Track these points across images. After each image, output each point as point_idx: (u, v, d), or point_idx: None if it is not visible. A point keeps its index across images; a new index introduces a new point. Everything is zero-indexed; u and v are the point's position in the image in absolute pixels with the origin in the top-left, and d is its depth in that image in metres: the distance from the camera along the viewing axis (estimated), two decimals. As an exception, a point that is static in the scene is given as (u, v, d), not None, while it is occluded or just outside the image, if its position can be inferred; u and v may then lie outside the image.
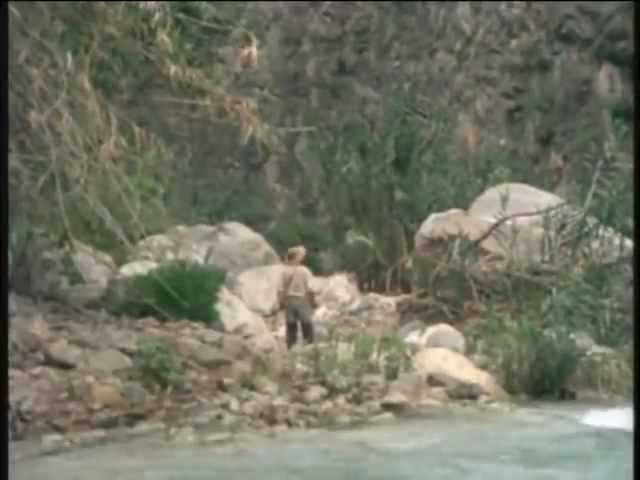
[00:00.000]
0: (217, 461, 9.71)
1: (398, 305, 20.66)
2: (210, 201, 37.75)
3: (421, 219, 21.55)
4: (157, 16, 11.47)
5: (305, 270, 16.61)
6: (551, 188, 25.95)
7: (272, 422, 11.38)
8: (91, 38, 11.63)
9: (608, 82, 36.51)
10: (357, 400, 12.49)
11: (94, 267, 17.89)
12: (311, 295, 16.77)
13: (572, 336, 14.22)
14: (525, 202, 19.17)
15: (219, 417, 11.27)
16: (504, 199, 18.58)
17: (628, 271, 16.73)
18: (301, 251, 16.98)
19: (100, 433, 10.47)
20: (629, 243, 17.07)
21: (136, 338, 12.98)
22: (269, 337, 17.69)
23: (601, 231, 18.01)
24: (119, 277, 17.99)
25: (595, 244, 18.00)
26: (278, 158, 42.74)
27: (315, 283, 20.49)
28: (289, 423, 11.44)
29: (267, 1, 43.37)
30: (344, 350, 13.98)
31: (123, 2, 11.67)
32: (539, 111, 38.13)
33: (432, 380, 13.73)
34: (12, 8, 10.51)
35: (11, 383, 9.59)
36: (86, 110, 11.31)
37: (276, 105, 28.61)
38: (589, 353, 14.34)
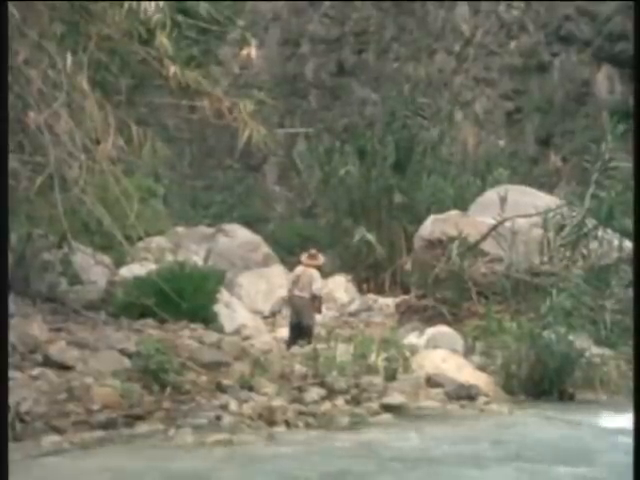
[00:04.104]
0: (216, 462, 9.72)
1: (397, 306, 20.65)
2: (211, 203, 37.81)
3: (420, 221, 21.53)
4: (156, 17, 11.47)
5: (313, 272, 16.57)
6: (550, 189, 25.95)
7: (271, 423, 11.38)
8: (89, 39, 11.62)
9: (607, 83, 36.52)
10: (356, 401, 12.49)
11: (93, 268, 17.92)
12: (316, 298, 16.70)
13: (571, 337, 14.22)
14: (524, 203, 19.15)
15: (218, 418, 11.26)
16: (503, 200, 18.57)
17: (627, 272, 16.71)
18: (320, 258, 17.07)
19: (99, 434, 10.47)
20: (628, 244, 17.06)
21: (135, 339, 13.00)
22: (268, 338, 17.71)
23: (600, 232, 18.00)
24: (118, 278, 18.03)
25: (594, 245, 17.98)
26: (277, 159, 42.73)
27: (321, 285, 20.46)
28: (288, 424, 11.44)
29: (266, 1, 43.37)
30: (343, 351, 14.00)
31: (122, 3, 11.67)
32: (538, 112, 38.14)
33: (431, 381, 13.74)
34: (11, 9, 10.51)
35: (10, 384, 9.58)
36: (84, 111, 11.31)
37: (274, 107, 28.60)
38: (588, 354, 14.34)
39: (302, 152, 35.80)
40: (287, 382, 12.71)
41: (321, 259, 17.14)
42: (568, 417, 12.58)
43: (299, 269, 16.79)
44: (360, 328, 19.62)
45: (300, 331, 16.30)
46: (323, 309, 21.43)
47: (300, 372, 12.99)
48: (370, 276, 27.11)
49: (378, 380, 13.22)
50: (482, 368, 14.60)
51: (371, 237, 26.91)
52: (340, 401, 12.42)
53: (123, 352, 12.42)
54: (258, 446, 10.39)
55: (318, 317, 18.59)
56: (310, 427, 11.48)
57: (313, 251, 17.13)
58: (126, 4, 11.65)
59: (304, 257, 16.88)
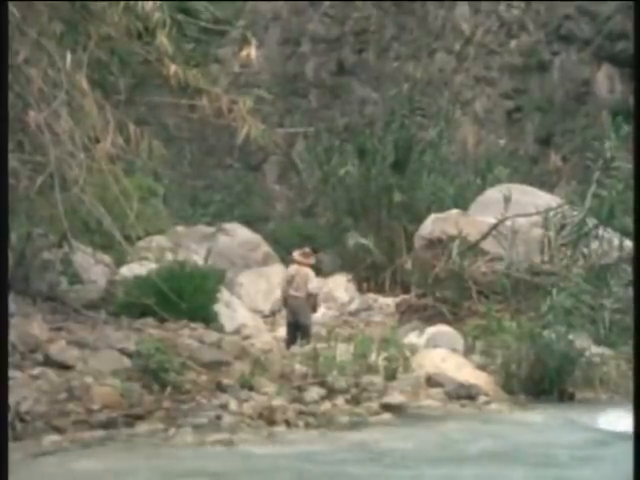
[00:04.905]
0: (216, 462, 9.71)
1: (397, 306, 20.63)
2: (211, 202, 37.77)
3: (420, 220, 21.49)
4: (155, 16, 11.46)
5: (308, 271, 16.56)
6: (550, 188, 25.92)
7: (271, 423, 11.39)
8: (89, 38, 11.63)
9: (607, 82, 36.47)
10: (356, 401, 12.49)
11: (93, 268, 17.90)
12: (312, 297, 16.70)
13: (571, 337, 14.21)
14: (524, 203, 19.12)
15: (218, 418, 11.27)
16: (507, 200, 18.46)
17: (627, 272, 16.71)
18: (312, 257, 17.08)
19: (99, 434, 10.49)
20: (628, 243, 17.04)
21: (135, 339, 12.99)
22: (268, 338, 17.70)
23: (600, 231, 17.98)
24: (118, 278, 18.01)
25: (594, 244, 17.97)
26: (277, 159, 42.70)
27: (316, 284, 20.50)
28: (288, 424, 11.45)
29: (266, 1, 43.32)
30: (343, 351, 13.98)
31: (121, 2, 11.66)
32: (538, 111, 38.07)
33: (431, 381, 13.73)
34: (11, 8, 10.50)
35: (10, 384, 9.59)
36: (84, 110, 11.32)
37: (274, 104, 28.58)
38: (588, 354, 14.33)
39: (302, 151, 35.77)
40: (287, 382, 12.71)
41: (313, 259, 17.12)
42: (568, 417, 12.58)
43: (293, 268, 16.76)
44: (360, 327, 19.62)
45: (297, 330, 16.32)
46: (322, 308, 21.46)
47: (300, 371, 12.99)
48: (370, 275, 27.04)
49: (378, 379, 13.21)
50: (482, 367, 14.59)
51: (365, 241, 26.87)
52: (340, 401, 12.42)
53: (123, 351, 12.42)
54: (258, 446, 10.41)
55: (318, 316, 18.61)
56: (310, 427, 11.49)
57: (307, 249, 17.13)
58: (124, 3, 11.65)
59: (297, 254, 16.85)
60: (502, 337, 14.92)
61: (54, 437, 10.22)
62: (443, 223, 19.64)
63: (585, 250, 18.02)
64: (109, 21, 11.73)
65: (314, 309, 16.99)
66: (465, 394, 13.40)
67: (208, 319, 16.18)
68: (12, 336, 11.21)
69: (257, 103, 12.30)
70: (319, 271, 24.67)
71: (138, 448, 10.12)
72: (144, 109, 20.52)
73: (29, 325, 12.99)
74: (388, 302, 22.80)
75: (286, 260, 23.26)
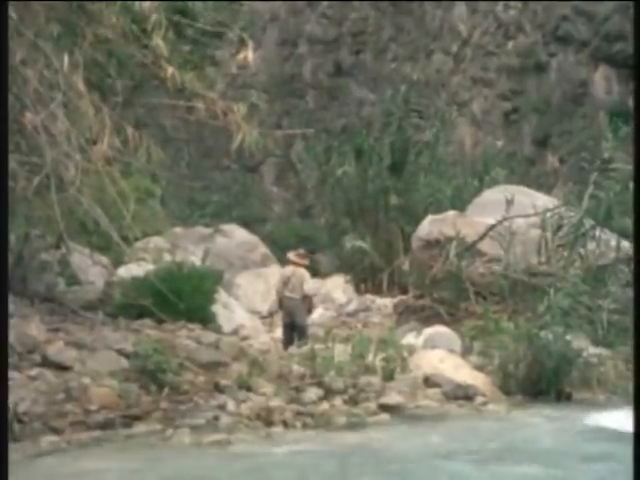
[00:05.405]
0: (214, 462, 9.72)
1: (395, 306, 20.64)
2: (208, 204, 37.81)
3: (417, 221, 21.50)
4: (153, 18, 11.48)
5: (303, 272, 16.61)
6: (548, 190, 25.94)
7: (269, 423, 11.39)
8: (86, 39, 11.64)
9: (605, 84, 36.52)
10: (354, 401, 12.50)
11: (91, 269, 17.92)
12: (308, 298, 16.75)
13: (568, 337, 14.21)
14: (522, 204, 19.11)
15: (216, 418, 11.27)
16: (509, 203, 18.42)
17: (625, 272, 16.72)
18: (306, 259, 17.13)
19: (97, 434, 10.49)
20: (626, 244, 17.06)
21: (133, 339, 13.00)
22: (266, 338, 17.72)
23: (598, 232, 18.00)
24: (116, 279, 18.03)
25: (592, 245, 17.98)
26: (275, 160, 42.76)
27: (312, 285, 20.53)
28: (286, 424, 11.45)
29: (264, 1, 43.36)
30: (341, 351, 13.99)
31: (118, 3, 11.68)
32: (536, 113, 38.14)
33: (428, 381, 13.73)
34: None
35: (8, 384, 9.58)
36: (80, 111, 11.33)
37: (271, 105, 28.62)
38: (585, 354, 14.33)
39: (300, 152, 35.82)
40: (285, 382, 12.72)
41: (308, 260, 17.17)
42: (565, 417, 12.59)
43: (288, 270, 16.81)
44: (358, 328, 19.60)
45: (294, 331, 16.35)
46: (320, 309, 21.49)
47: (298, 372, 13.00)
48: (368, 276, 27.06)
49: (376, 380, 13.21)
50: (480, 368, 14.59)
51: (362, 243, 26.90)
52: (338, 401, 12.43)
53: (121, 352, 12.43)
54: (255, 446, 10.41)
55: (315, 317, 18.62)
56: (308, 427, 11.49)
57: (302, 250, 17.18)
58: (121, 4, 11.67)
59: (292, 255, 16.89)
60: (499, 338, 14.93)
61: (52, 438, 10.22)
62: (440, 224, 19.64)
63: (582, 251, 18.03)
64: (106, 23, 11.74)
65: (310, 310, 17.04)
66: (463, 395, 13.41)
67: (206, 320, 16.21)
68: (10, 337, 11.21)
69: (253, 107, 12.33)
70: (317, 272, 24.72)
71: (136, 449, 10.13)
72: (142, 111, 20.53)
73: (27, 326, 13.00)
74: (386, 303, 22.81)
75: (284, 261, 23.29)
